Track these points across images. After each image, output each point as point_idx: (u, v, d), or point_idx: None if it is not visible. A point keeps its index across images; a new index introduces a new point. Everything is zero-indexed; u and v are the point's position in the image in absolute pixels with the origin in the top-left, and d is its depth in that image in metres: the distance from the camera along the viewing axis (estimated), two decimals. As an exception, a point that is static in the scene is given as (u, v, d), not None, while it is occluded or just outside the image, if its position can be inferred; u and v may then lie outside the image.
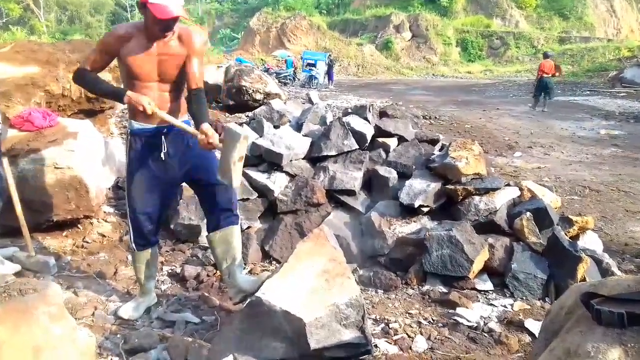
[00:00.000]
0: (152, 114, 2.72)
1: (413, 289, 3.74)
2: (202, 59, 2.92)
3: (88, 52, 2.85)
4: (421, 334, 3.07)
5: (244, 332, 2.41)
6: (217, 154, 2.83)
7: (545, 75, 14.99)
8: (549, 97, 15.26)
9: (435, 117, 12.24)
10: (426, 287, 3.73)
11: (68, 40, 8.03)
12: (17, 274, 3.45)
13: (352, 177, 4.68)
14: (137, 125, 2.88)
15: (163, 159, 2.91)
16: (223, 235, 3.08)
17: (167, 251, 4.22)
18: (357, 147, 5.01)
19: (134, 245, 3.06)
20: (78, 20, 52.66)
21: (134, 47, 2.72)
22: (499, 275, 3.80)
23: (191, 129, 2.82)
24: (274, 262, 4.20)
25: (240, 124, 5.66)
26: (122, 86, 2.93)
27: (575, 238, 4.17)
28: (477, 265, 3.71)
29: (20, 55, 5.23)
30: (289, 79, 25.31)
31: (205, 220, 4.27)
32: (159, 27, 2.66)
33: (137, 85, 2.80)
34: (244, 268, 3.21)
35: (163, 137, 2.90)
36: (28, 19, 46.51)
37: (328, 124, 5.24)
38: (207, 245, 4.24)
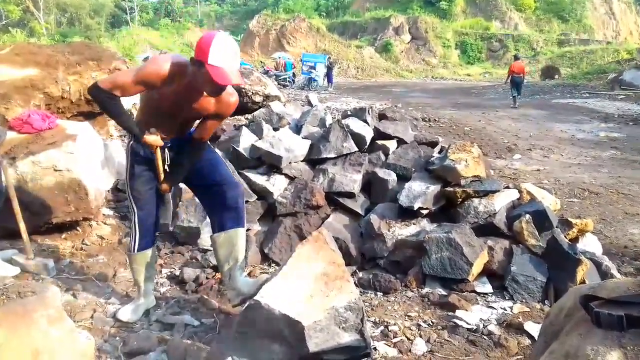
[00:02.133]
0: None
1: (412, 291, 3.74)
2: (223, 120, 2.98)
3: (120, 75, 2.69)
4: (420, 336, 3.07)
5: (243, 335, 2.41)
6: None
7: (515, 75, 16.84)
8: (518, 94, 17.15)
9: (435, 120, 12.25)
10: (425, 290, 3.73)
11: (68, 43, 8.03)
12: (16, 277, 3.45)
13: (351, 180, 4.68)
14: None
15: (167, 170, 2.95)
16: (228, 237, 3.07)
17: (166, 254, 4.22)
18: (357, 149, 5.02)
19: (137, 246, 3.04)
20: (78, 22, 52.64)
21: (173, 89, 2.64)
22: (499, 278, 3.80)
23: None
24: (273, 265, 4.20)
25: (240, 127, 5.65)
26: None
27: (574, 240, 4.17)
28: (477, 267, 3.71)
29: (19, 58, 5.22)
30: (289, 81, 25.33)
31: (204, 223, 4.30)
32: (212, 88, 2.60)
33: (154, 114, 2.81)
34: (244, 271, 3.20)
35: (167, 149, 2.92)
36: (27, 21, 46.49)
37: (327, 126, 5.24)
38: (206, 247, 4.25)
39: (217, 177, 3.01)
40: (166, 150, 2.93)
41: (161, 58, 2.67)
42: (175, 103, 2.71)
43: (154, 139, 2.79)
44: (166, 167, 2.95)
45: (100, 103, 2.72)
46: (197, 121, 2.96)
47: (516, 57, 18.35)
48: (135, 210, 2.99)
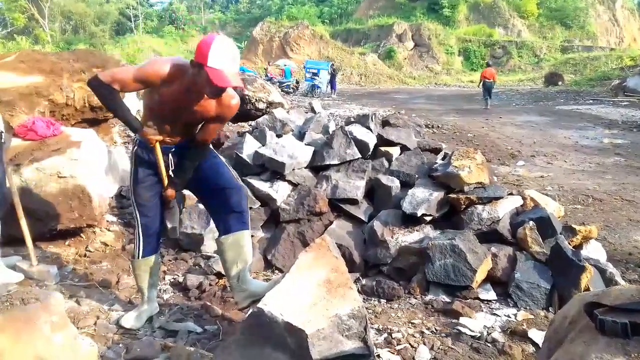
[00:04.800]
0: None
1: (416, 298, 3.73)
2: (226, 123, 3.00)
3: (120, 70, 2.73)
4: (424, 343, 3.05)
5: (247, 342, 2.40)
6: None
7: (486, 80, 18.61)
8: (490, 97, 18.90)
9: (438, 126, 12.25)
10: (429, 297, 3.72)
11: (72, 50, 8.07)
12: (20, 283, 3.45)
13: (354, 186, 4.68)
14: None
15: (172, 175, 2.95)
16: (235, 239, 3.06)
17: (169, 260, 4.22)
18: (360, 156, 5.02)
19: (141, 252, 3.03)
20: (82, 30, 52.97)
21: (173, 91, 2.67)
22: (502, 285, 3.78)
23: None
24: (276, 271, 4.20)
25: (243, 133, 5.67)
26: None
27: (578, 247, 4.15)
28: (480, 274, 3.70)
29: (24, 65, 5.25)
30: (292, 88, 25.39)
31: (207, 230, 4.31)
32: (211, 90, 2.61)
33: (156, 116, 2.82)
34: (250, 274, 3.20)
35: (170, 155, 2.92)
36: (32, 29, 46.82)
37: (331, 133, 5.25)
38: (209, 254, 4.25)
39: (221, 182, 3.01)
40: (170, 155, 2.93)
41: (162, 59, 2.73)
42: (176, 105, 2.72)
43: (152, 132, 2.80)
44: (171, 172, 2.95)
45: (100, 95, 2.77)
46: (200, 125, 2.97)
47: (488, 64, 21.29)
48: (139, 217, 2.99)
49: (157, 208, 3.02)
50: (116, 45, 37.79)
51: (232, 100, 2.82)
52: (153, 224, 3.02)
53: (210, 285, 3.75)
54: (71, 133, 4.56)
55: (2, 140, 3.47)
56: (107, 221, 4.75)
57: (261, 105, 10.38)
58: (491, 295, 3.71)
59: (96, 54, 6.80)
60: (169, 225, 4.39)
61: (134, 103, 8.66)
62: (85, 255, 4.21)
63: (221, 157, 3.20)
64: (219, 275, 3.84)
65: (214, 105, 2.78)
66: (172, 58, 2.76)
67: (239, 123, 10.04)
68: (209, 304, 3.44)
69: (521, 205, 4.45)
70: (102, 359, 2.67)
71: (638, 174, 8.31)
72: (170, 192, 2.98)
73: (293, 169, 4.84)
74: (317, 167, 5.02)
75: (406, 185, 4.70)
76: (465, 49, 45.70)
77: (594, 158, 9.64)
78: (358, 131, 5.27)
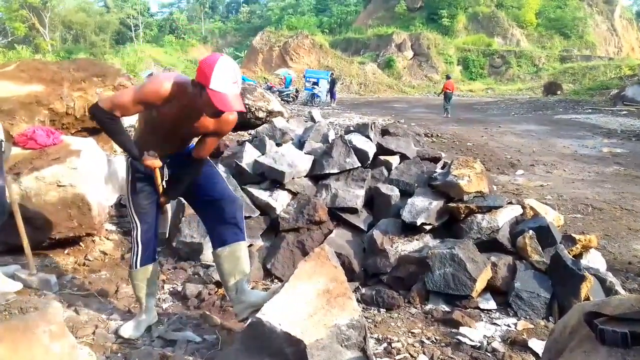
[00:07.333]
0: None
1: (416, 307, 3.72)
2: (223, 137, 3.00)
3: (120, 94, 2.64)
4: (424, 353, 3.04)
5: (245, 352, 2.39)
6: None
7: (447, 91, 20.23)
8: (449, 106, 20.31)
9: (437, 135, 12.25)
10: (429, 306, 3.71)
11: (73, 59, 8.09)
12: (19, 292, 3.44)
13: (354, 195, 4.68)
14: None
15: (165, 186, 2.96)
16: (232, 251, 3.05)
17: (168, 269, 4.21)
18: (359, 165, 5.02)
19: (139, 262, 3.02)
20: (83, 39, 53.19)
21: (171, 108, 2.62)
22: (502, 294, 3.77)
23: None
24: (275, 281, 4.19)
25: (243, 142, 5.68)
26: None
27: (578, 256, 4.15)
28: (480, 284, 3.69)
29: (24, 74, 5.27)
30: (291, 98, 25.46)
31: (207, 238, 4.30)
32: (212, 112, 2.58)
33: (153, 133, 2.81)
34: (249, 284, 3.19)
35: (165, 165, 2.92)
36: (33, 38, 47.02)
37: (330, 141, 5.26)
38: (208, 263, 4.24)
39: (215, 193, 3.01)
40: (165, 166, 2.93)
41: (162, 77, 2.66)
42: (174, 122, 2.70)
43: (152, 161, 2.78)
44: (164, 183, 2.95)
45: (100, 123, 2.70)
46: (196, 138, 2.97)
47: (448, 77, 23.02)
48: (138, 225, 2.97)
49: (154, 215, 3.02)
50: (116, 55, 37.88)
51: (231, 115, 2.78)
52: (150, 230, 3.02)
53: (209, 294, 3.74)
54: (71, 142, 4.56)
55: (2, 149, 3.47)
56: (107, 230, 4.74)
57: (261, 114, 10.39)
58: (491, 304, 3.70)
59: (96, 63, 6.82)
60: (159, 231, 4.37)
61: (126, 118, 8.69)
62: (84, 264, 4.20)
63: (216, 167, 3.20)
64: (218, 284, 3.83)
65: (212, 121, 2.75)
66: (171, 75, 2.69)
67: (239, 132, 10.05)
68: (208, 313, 3.43)
69: (521, 215, 4.45)
70: (100, 369, 2.66)
71: (637, 183, 8.32)
72: (163, 199, 3.01)
73: (293, 178, 4.84)
74: (317, 176, 5.02)
75: (406, 194, 4.71)
76: (464, 59, 45.92)
77: (593, 167, 9.65)
78: (357, 140, 5.28)
